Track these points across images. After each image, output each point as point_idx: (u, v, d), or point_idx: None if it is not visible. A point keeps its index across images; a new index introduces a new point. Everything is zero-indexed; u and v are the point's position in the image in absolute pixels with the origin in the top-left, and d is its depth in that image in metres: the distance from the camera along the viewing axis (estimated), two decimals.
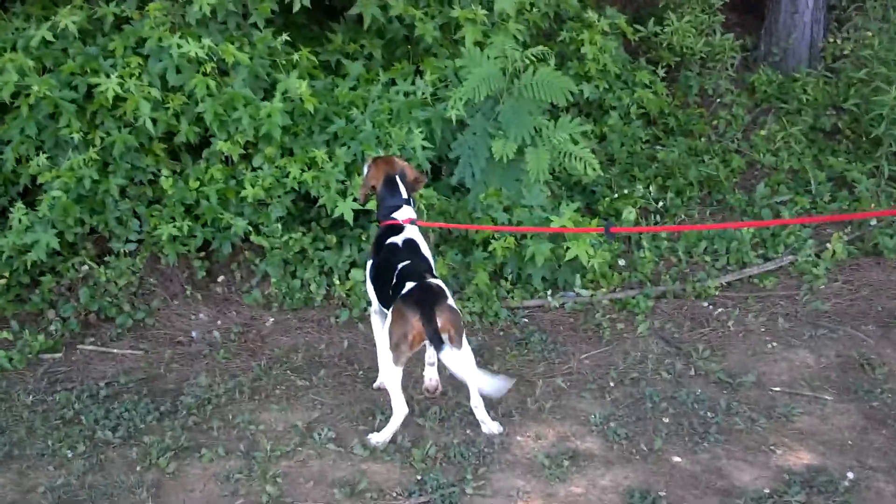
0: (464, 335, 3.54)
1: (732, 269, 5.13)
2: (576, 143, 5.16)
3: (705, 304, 4.85)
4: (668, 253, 5.30)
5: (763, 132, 6.30)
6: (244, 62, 4.93)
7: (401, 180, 3.94)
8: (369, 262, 3.92)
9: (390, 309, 3.60)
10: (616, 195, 5.53)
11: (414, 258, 3.74)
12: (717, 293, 4.90)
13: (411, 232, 3.86)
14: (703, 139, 6.39)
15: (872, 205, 5.43)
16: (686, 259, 5.26)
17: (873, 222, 5.34)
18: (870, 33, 6.68)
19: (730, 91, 6.76)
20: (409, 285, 3.55)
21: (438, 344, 3.40)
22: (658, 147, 6.17)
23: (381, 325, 3.80)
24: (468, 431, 3.73)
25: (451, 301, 3.56)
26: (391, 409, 3.65)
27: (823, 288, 4.94)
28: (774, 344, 4.44)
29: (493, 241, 4.84)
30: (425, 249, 3.86)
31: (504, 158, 5.03)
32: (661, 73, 6.49)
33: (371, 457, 3.59)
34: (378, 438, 3.64)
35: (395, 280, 3.64)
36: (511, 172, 5.19)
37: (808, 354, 4.34)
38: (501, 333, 4.62)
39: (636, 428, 3.76)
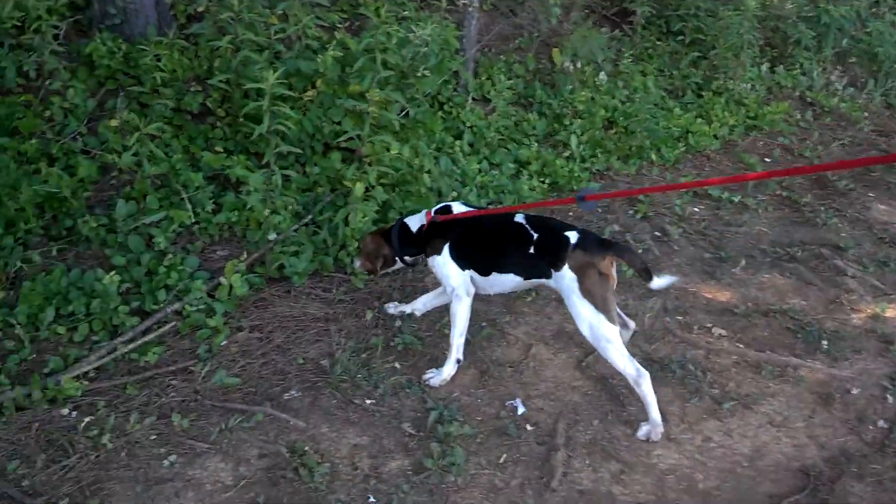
0: None
1: (100, 342, 3.53)
2: None
3: (65, 412, 3.20)
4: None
5: (114, 122, 4.70)
6: None
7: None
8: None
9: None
10: None
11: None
12: (79, 393, 3.26)
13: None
14: (35, 140, 4.58)
15: (268, 212, 4.17)
16: (45, 337, 3.53)
17: (271, 236, 4.16)
18: None
19: (63, 70, 5.02)
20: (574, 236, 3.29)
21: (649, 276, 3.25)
22: None
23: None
24: None
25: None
26: None
27: (225, 346, 3.63)
28: (173, 459, 3.03)
29: None
30: None
31: None
32: None
33: None
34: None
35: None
36: None
37: (222, 465, 3.02)
38: None
39: None
